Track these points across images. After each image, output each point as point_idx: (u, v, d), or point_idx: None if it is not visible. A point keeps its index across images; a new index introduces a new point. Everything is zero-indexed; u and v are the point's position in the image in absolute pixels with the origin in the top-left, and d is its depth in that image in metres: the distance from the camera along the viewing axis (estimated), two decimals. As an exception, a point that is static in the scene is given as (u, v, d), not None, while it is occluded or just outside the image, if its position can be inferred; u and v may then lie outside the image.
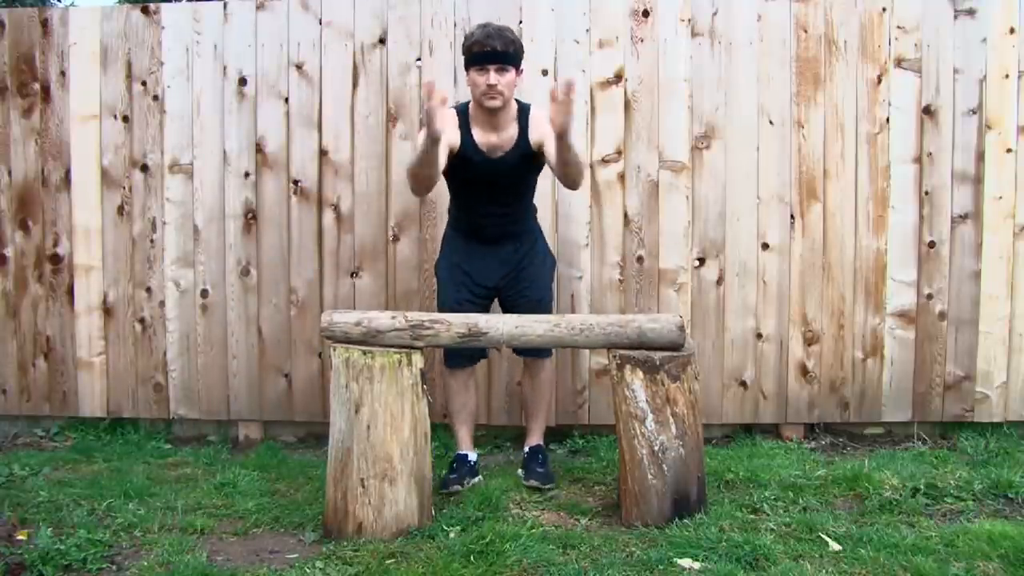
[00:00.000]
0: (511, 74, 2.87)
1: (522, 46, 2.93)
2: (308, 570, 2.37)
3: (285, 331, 3.72)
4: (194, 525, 2.70)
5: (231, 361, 3.75)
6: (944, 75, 3.54)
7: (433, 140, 2.57)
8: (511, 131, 2.96)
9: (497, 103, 2.86)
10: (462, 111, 2.99)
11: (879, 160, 3.56)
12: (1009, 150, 3.54)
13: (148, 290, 3.77)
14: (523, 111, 2.98)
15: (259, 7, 3.67)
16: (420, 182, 2.82)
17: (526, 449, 3.23)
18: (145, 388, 3.80)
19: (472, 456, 3.16)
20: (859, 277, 3.59)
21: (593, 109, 3.59)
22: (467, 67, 2.90)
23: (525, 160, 2.98)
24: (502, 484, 3.02)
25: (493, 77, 2.82)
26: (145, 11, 3.73)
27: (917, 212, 3.57)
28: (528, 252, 3.16)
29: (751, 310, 3.61)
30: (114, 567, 2.43)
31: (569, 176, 2.83)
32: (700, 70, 3.57)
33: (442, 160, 2.79)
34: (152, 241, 3.76)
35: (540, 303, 3.13)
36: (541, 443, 3.23)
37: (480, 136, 2.95)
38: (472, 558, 2.38)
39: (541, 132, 2.89)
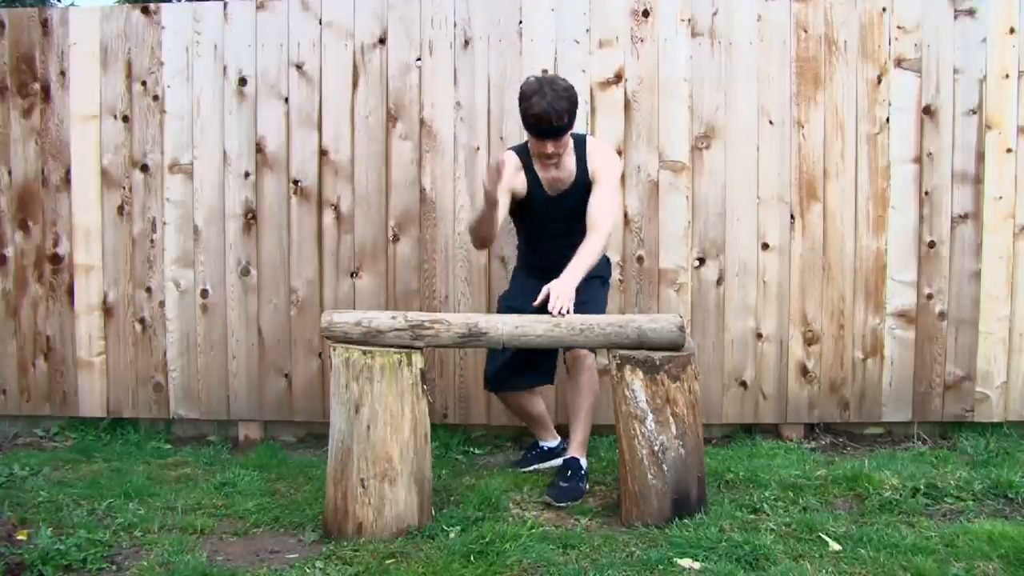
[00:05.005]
0: (566, 135, 2.90)
1: (576, 103, 2.86)
2: (308, 570, 2.37)
3: (285, 331, 3.72)
4: (194, 525, 2.70)
5: (231, 361, 3.75)
6: (944, 75, 3.54)
7: (491, 204, 2.80)
8: (570, 166, 3.01)
9: (554, 161, 2.95)
10: (522, 151, 3.03)
11: (879, 160, 3.56)
12: (1009, 150, 3.54)
13: (148, 290, 3.77)
14: (579, 143, 3.03)
15: (259, 7, 3.67)
16: (479, 238, 3.04)
17: (560, 461, 3.09)
18: (145, 388, 3.80)
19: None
20: (859, 277, 3.59)
21: (593, 109, 3.59)
22: (524, 126, 2.91)
23: (588, 191, 2.98)
24: (502, 484, 3.02)
25: (551, 148, 2.88)
26: (145, 11, 3.73)
27: (917, 212, 3.57)
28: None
29: (751, 310, 3.61)
30: (114, 567, 2.43)
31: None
32: (700, 70, 3.57)
33: (501, 216, 2.91)
34: (152, 241, 3.76)
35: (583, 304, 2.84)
36: (577, 456, 3.01)
37: (543, 172, 3.01)
38: (472, 558, 2.38)
39: (595, 165, 2.98)
